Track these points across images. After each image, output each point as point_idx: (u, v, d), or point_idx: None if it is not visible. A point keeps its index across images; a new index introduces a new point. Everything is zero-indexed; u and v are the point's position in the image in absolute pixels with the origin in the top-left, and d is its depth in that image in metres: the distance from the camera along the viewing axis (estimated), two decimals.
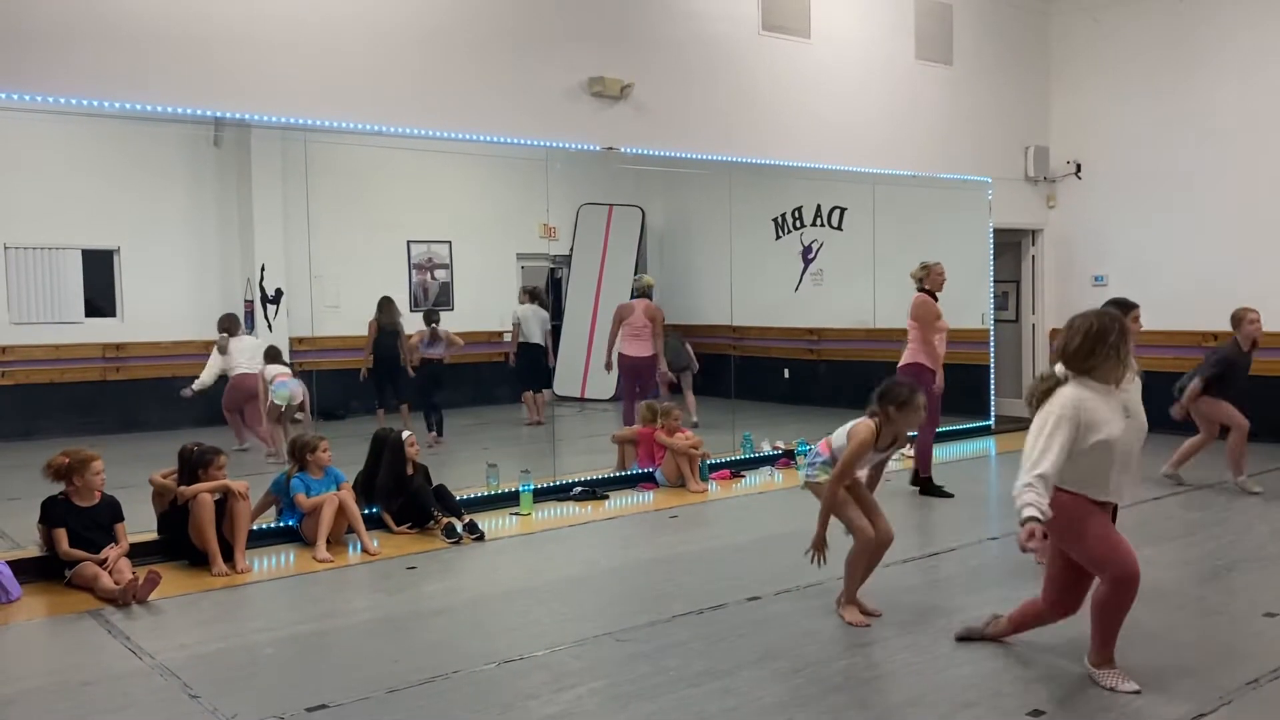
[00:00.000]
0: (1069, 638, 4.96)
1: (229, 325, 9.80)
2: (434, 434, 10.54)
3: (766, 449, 10.18)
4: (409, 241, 12.09)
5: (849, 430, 5.27)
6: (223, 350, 9.63)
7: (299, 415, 9.66)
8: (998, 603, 5.68)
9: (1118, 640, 4.43)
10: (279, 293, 10.45)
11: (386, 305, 10.66)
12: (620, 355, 10.20)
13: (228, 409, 9.70)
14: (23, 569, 6.10)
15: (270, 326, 10.28)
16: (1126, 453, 4.32)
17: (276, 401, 9.52)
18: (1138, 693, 4.31)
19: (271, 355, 9.57)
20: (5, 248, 9.96)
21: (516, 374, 12.02)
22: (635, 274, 11.57)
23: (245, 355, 9.66)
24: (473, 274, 12.48)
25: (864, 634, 5.14)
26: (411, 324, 10.98)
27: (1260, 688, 4.41)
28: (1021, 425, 6.39)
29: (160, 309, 10.25)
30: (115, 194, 10.40)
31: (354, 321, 10.55)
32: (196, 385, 9.59)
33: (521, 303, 11.99)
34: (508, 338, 12.20)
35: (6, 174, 9.54)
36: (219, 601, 5.94)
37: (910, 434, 5.82)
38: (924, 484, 8.54)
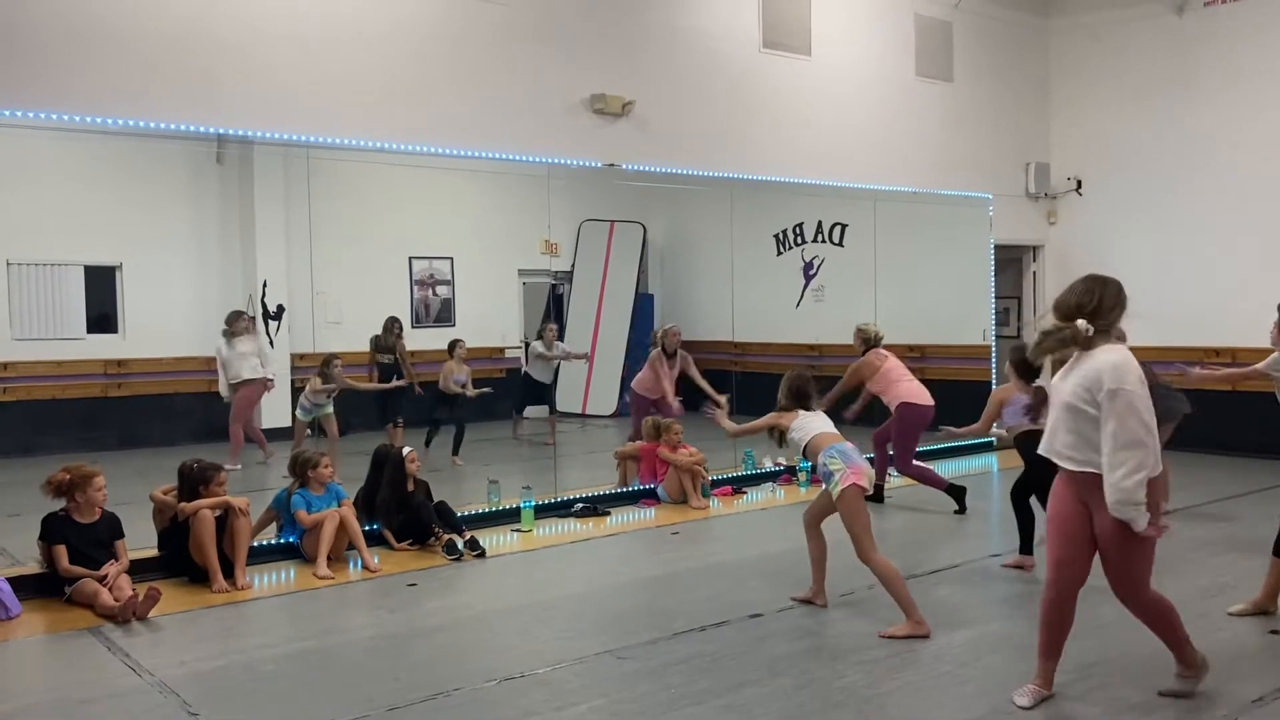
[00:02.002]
0: (1073, 652, 4.95)
1: (230, 321, 9.80)
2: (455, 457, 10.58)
3: (768, 465, 10.16)
4: (411, 257, 12.11)
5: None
6: (230, 340, 9.68)
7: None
8: (1001, 619, 5.68)
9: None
10: (281, 309, 10.47)
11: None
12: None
13: (237, 421, 9.70)
14: (23, 586, 6.08)
15: (272, 342, 10.29)
16: None
17: (302, 417, 9.55)
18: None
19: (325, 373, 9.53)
20: (8, 264, 9.97)
21: (536, 397, 12.03)
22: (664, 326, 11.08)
23: (249, 360, 9.71)
24: (475, 290, 12.50)
25: (868, 651, 5.12)
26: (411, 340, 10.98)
27: (1265, 705, 4.39)
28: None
29: (162, 325, 10.26)
30: (118, 211, 10.43)
31: (356, 337, 10.54)
32: (224, 392, 9.75)
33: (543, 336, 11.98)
34: (511, 353, 12.21)
35: (9, 190, 9.57)
36: (219, 618, 5.92)
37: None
38: (957, 494, 8.65)
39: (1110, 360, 4.06)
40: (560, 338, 13.36)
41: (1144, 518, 4.01)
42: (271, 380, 9.87)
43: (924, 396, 8.74)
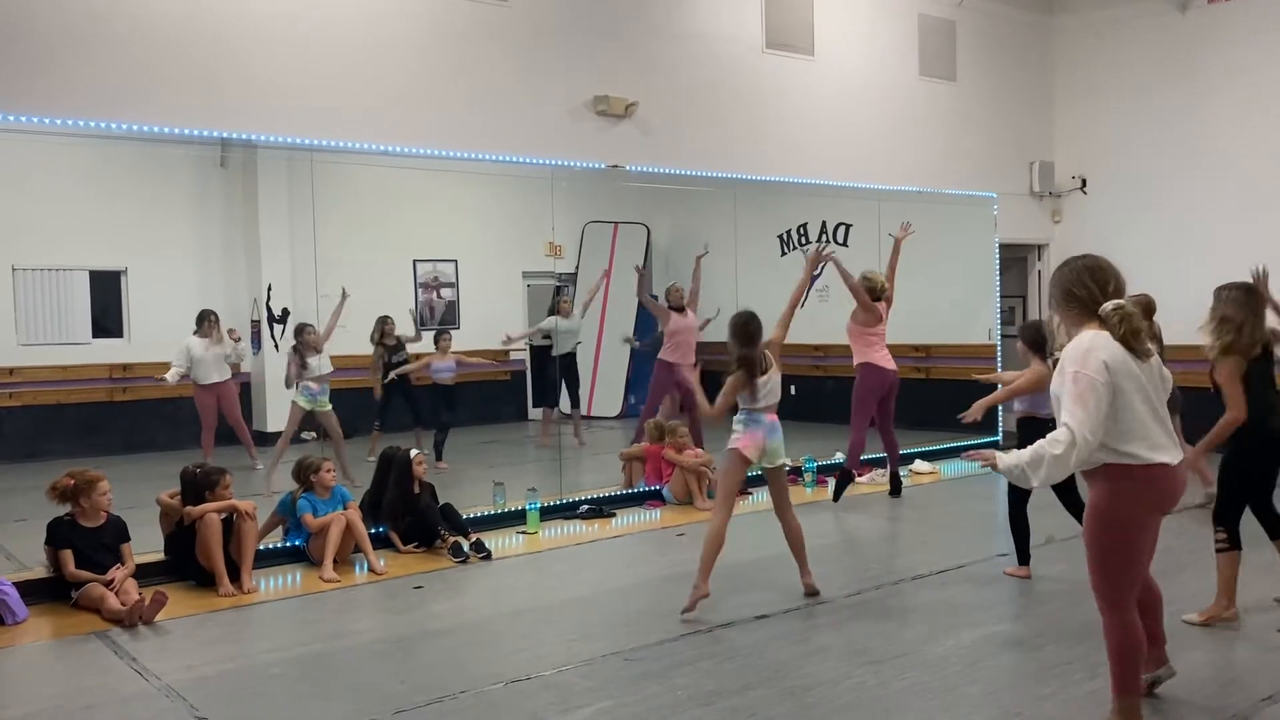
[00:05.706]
0: (1082, 652, 4.94)
1: (201, 319, 9.67)
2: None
3: None
4: (415, 260, 12.12)
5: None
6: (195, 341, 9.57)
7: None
8: (1009, 620, 5.67)
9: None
10: (285, 312, 10.46)
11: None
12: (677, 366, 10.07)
13: (203, 419, 9.58)
14: (29, 590, 6.08)
15: (276, 346, 10.29)
16: None
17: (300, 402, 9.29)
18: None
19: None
20: (13, 269, 10.00)
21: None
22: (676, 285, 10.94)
23: (211, 362, 9.56)
24: (479, 293, 12.50)
25: (875, 652, 5.10)
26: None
27: (1275, 704, 4.37)
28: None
29: (167, 329, 10.26)
30: (122, 215, 10.45)
31: (361, 341, 10.54)
32: (169, 376, 9.49)
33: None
34: (515, 355, 12.20)
35: (14, 196, 9.59)
36: (225, 622, 5.93)
37: None
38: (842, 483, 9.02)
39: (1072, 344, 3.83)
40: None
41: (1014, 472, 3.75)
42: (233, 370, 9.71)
43: (888, 361, 9.11)
